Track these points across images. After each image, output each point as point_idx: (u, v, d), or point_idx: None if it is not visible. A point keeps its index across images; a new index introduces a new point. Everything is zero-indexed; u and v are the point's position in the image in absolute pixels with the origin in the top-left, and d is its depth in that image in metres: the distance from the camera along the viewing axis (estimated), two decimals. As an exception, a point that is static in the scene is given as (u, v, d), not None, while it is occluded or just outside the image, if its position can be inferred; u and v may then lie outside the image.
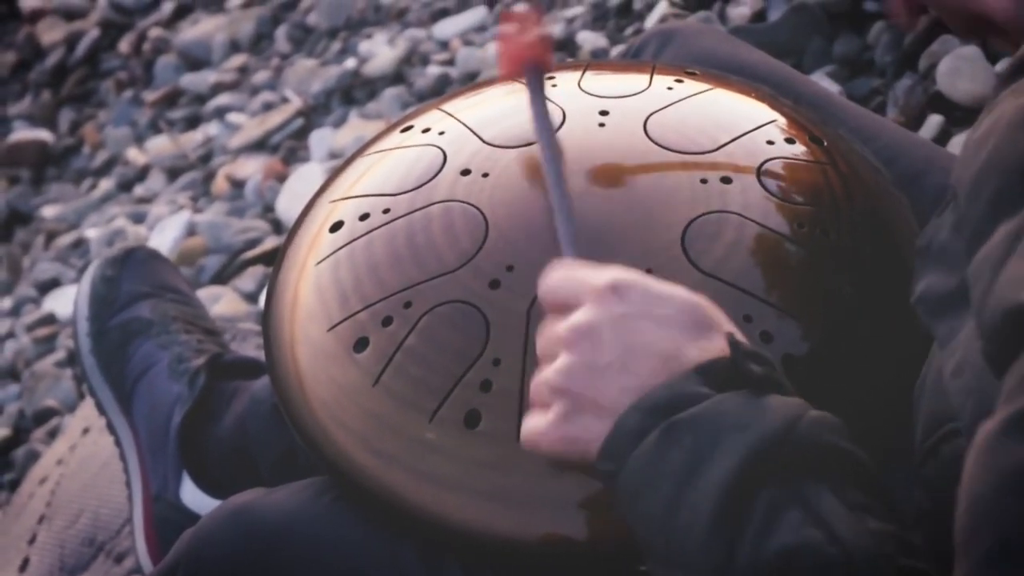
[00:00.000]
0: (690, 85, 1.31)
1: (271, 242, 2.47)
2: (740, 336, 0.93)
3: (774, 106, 1.30)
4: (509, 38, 1.19)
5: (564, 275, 0.97)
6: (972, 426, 0.83)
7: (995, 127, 0.90)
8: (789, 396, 0.91)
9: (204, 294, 2.29)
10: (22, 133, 3.34)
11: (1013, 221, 0.83)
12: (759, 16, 2.25)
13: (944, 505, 0.91)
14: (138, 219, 2.75)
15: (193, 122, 3.06)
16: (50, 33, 3.60)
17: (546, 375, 0.94)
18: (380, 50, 2.85)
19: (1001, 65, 1.84)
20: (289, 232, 1.30)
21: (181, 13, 3.46)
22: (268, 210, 2.60)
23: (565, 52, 2.55)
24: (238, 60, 3.14)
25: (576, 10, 2.64)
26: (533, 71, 1.18)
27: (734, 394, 0.88)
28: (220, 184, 2.75)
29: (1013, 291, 0.78)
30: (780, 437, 0.86)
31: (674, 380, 0.89)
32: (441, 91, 2.61)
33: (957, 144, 1.80)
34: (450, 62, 2.73)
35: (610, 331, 0.91)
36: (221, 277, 2.45)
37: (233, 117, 2.93)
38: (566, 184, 1.11)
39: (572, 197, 1.10)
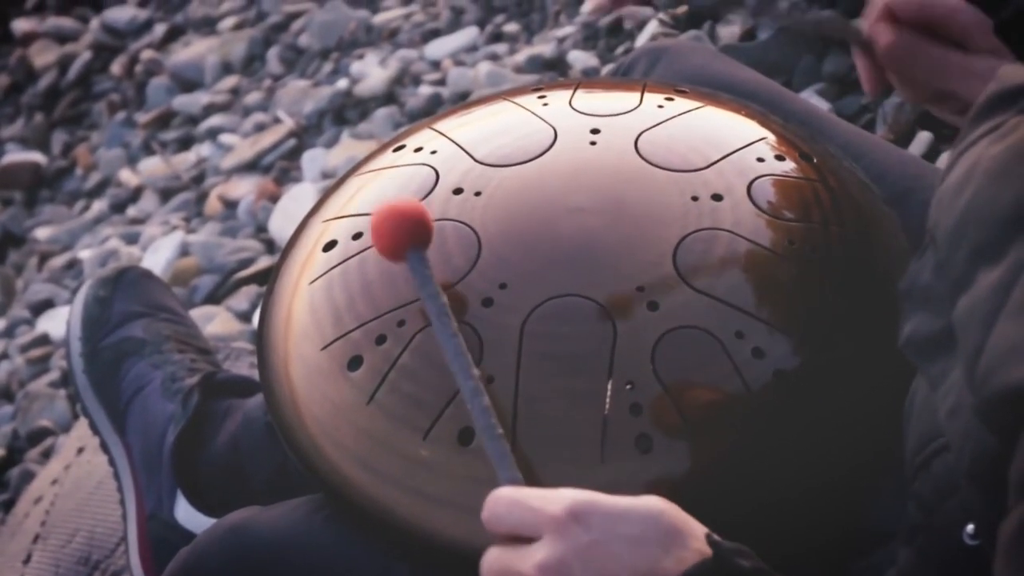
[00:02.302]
0: (681, 103, 1.32)
1: (264, 262, 2.47)
2: (714, 535, 0.91)
3: (764, 123, 1.31)
4: (383, 216, 1.12)
5: (511, 501, 0.94)
6: (971, 469, 0.84)
7: (972, 174, 0.90)
8: None
9: (197, 314, 2.29)
10: (15, 155, 3.34)
11: (996, 271, 0.83)
12: (749, 35, 2.26)
13: (937, 519, 0.92)
14: (131, 240, 2.75)
15: (186, 143, 3.06)
16: (43, 56, 3.60)
17: None
18: (372, 71, 2.86)
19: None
20: (282, 251, 1.30)
21: (173, 35, 3.47)
22: (261, 230, 2.60)
23: (556, 72, 2.56)
24: (230, 81, 3.14)
25: (567, 30, 2.65)
26: (413, 250, 1.12)
27: None
28: (213, 204, 2.75)
29: (1010, 364, 0.79)
30: None
31: None
32: (433, 111, 2.62)
33: (946, 161, 1.80)
34: (441, 82, 2.74)
35: (581, 565, 0.89)
36: (214, 297, 2.45)
37: (225, 138, 2.94)
38: (482, 390, 1.05)
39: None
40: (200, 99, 3.13)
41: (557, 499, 0.92)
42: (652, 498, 0.92)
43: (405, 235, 1.11)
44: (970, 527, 0.87)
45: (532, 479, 1.03)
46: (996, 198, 0.87)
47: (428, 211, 1.14)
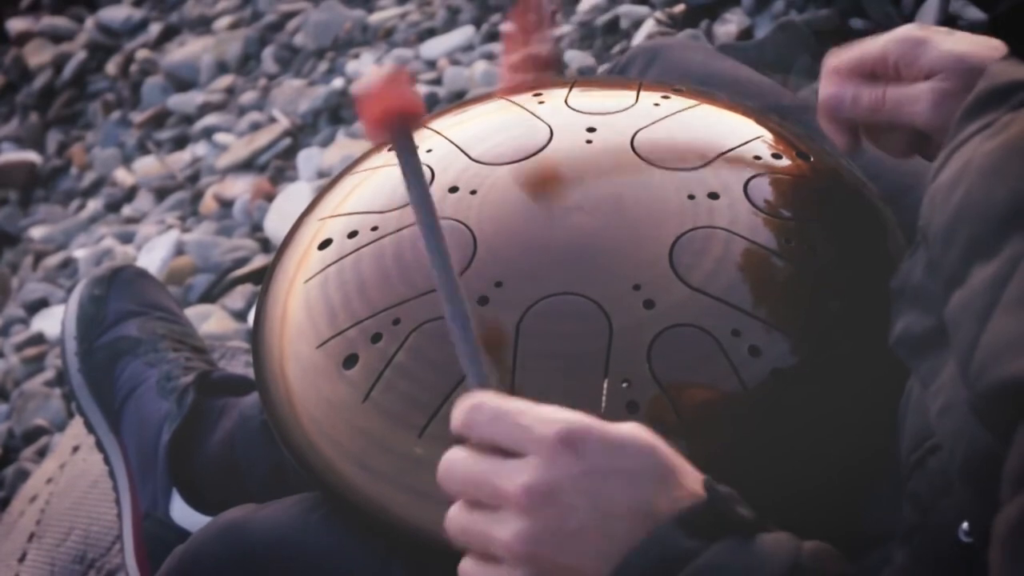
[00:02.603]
0: (677, 101, 1.32)
1: (259, 261, 2.47)
2: (710, 479, 0.89)
3: (761, 122, 1.31)
4: (371, 95, 1.07)
5: (496, 413, 0.90)
6: (964, 468, 0.84)
7: (964, 172, 0.90)
8: (773, 532, 0.89)
9: (193, 313, 2.29)
10: (10, 155, 3.33)
11: (990, 266, 0.83)
12: (746, 34, 2.26)
13: (932, 518, 0.92)
14: (126, 239, 2.75)
15: (181, 143, 3.06)
16: (37, 55, 3.60)
17: (501, 536, 0.87)
18: (367, 70, 2.86)
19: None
20: (278, 250, 1.30)
21: (168, 35, 3.46)
22: (256, 229, 2.60)
23: (552, 71, 2.55)
24: (225, 81, 3.14)
25: (563, 29, 2.65)
26: (400, 130, 1.08)
27: (726, 544, 0.86)
28: (208, 204, 2.75)
29: (1007, 357, 0.79)
30: None
31: (659, 538, 0.85)
32: (428, 110, 2.61)
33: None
34: (437, 81, 2.74)
35: (574, 493, 0.85)
36: (210, 296, 2.45)
37: (221, 137, 2.93)
38: (459, 286, 1.01)
39: (467, 296, 1.02)
40: (195, 98, 3.13)
41: (548, 419, 0.88)
42: (640, 429, 0.89)
43: (394, 111, 1.07)
44: (965, 525, 0.87)
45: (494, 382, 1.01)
46: (990, 195, 0.87)
47: (417, 90, 1.09)
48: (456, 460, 0.91)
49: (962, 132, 0.95)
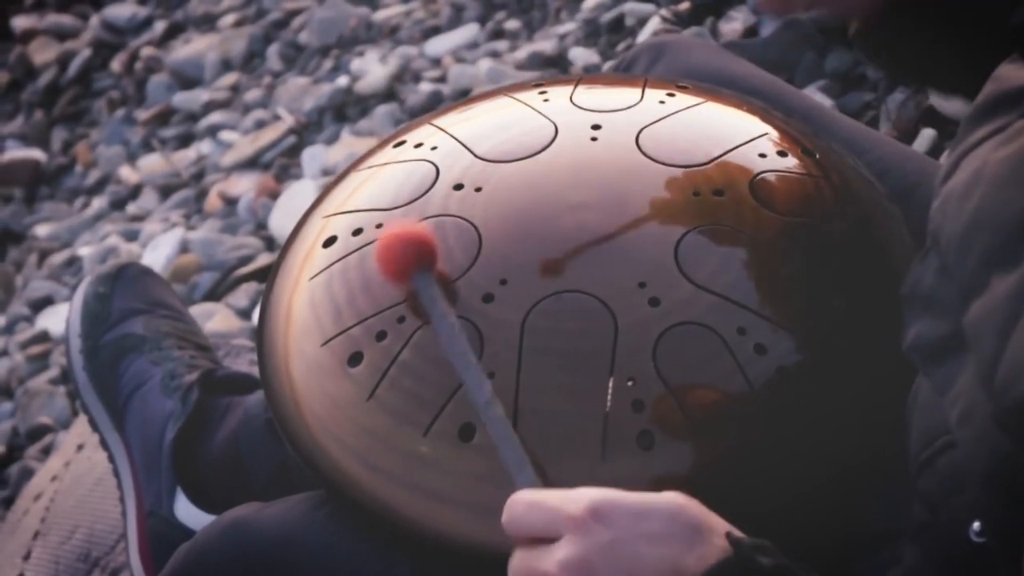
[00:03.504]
0: (682, 99, 1.31)
1: (264, 259, 2.47)
2: (735, 531, 0.91)
3: (766, 119, 1.31)
4: (388, 240, 1.13)
5: (530, 504, 0.94)
6: (988, 473, 0.83)
7: (978, 179, 0.90)
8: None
9: (197, 311, 2.29)
10: (15, 152, 3.34)
11: (1010, 277, 0.83)
12: (751, 31, 2.26)
13: (942, 518, 0.91)
14: (131, 237, 2.75)
15: (185, 140, 3.06)
16: (42, 53, 3.60)
17: None
18: (372, 68, 2.86)
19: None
20: (282, 247, 1.30)
21: (173, 32, 3.46)
22: (261, 227, 2.60)
23: (557, 68, 2.56)
24: (230, 78, 3.14)
25: (568, 26, 2.65)
26: (420, 274, 1.12)
27: None
28: (213, 201, 2.75)
29: None
30: None
31: None
32: (433, 108, 2.61)
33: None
34: (442, 79, 2.74)
35: (604, 563, 0.89)
36: (214, 294, 2.45)
37: (225, 135, 2.93)
38: (499, 406, 1.05)
39: (506, 413, 1.06)
40: (200, 96, 3.13)
41: (577, 498, 0.91)
42: (672, 494, 0.92)
43: (411, 260, 1.12)
44: (976, 524, 0.87)
45: (541, 479, 1.03)
46: (1007, 204, 0.86)
47: (431, 233, 1.13)
48: (512, 561, 0.94)
49: (972, 135, 0.94)
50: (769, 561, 0.89)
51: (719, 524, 0.92)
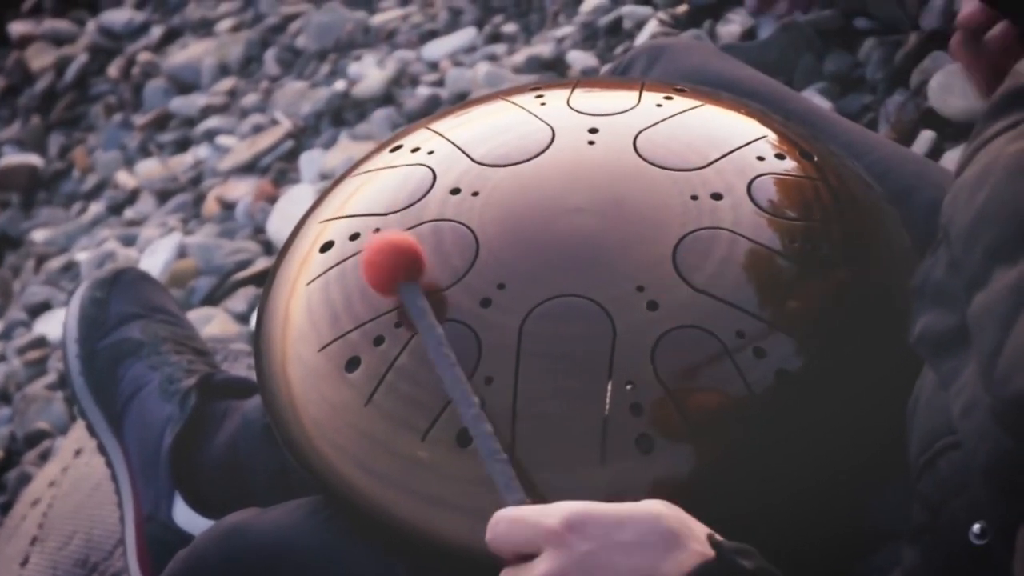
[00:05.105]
0: (680, 101, 1.31)
1: (262, 263, 2.47)
2: (716, 535, 0.92)
3: (764, 122, 1.30)
4: (374, 249, 1.14)
5: (511, 520, 0.95)
6: (987, 468, 0.83)
7: (990, 171, 0.90)
8: None
9: (195, 315, 2.28)
10: (12, 158, 3.34)
11: (1013, 270, 0.83)
12: (749, 34, 2.26)
13: (942, 519, 0.91)
14: (129, 242, 2.75)
15: (183, 145, 3.06)
16: (39, 58, 3.60)
17: None
18: (369, 72, 2.86)
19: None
20: (279, 252, 1.30)
21: (170, 37, 3.46)
22: (259, 231, 2.60)
23: (555, 72, 2.56)
24: (227, 83, 3.14)
25: (566, 30, 2.65)
26: (406, 284, 1.13)
27: None
28: (211, 206, 2.75)
29: None
30: None
31: None
32: (431, 112, 2.61)
33: (950, 159, 1.80)
34: (440, 83, 2.73)
35: (580, 572, 0.90)
36: (212, 298, 2.45)
37: (223, 140, 2.93)
38: (486, 423, 1.06)
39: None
40: (197, 101, 3.13)
41: (554, 512, 0.92)
42: (651, 502, 0.93)
43: (397, 270, 1.12)
44: (976, 526, 0.87)
45: (532, 482, 1.03)
46: (1014, 197, 0.86)
47: (417, 243, 1.14)
48: None
49: (987, 130, 0.95)
50: (750, 564, 0.90)
51: (700, 530, 0.92)
